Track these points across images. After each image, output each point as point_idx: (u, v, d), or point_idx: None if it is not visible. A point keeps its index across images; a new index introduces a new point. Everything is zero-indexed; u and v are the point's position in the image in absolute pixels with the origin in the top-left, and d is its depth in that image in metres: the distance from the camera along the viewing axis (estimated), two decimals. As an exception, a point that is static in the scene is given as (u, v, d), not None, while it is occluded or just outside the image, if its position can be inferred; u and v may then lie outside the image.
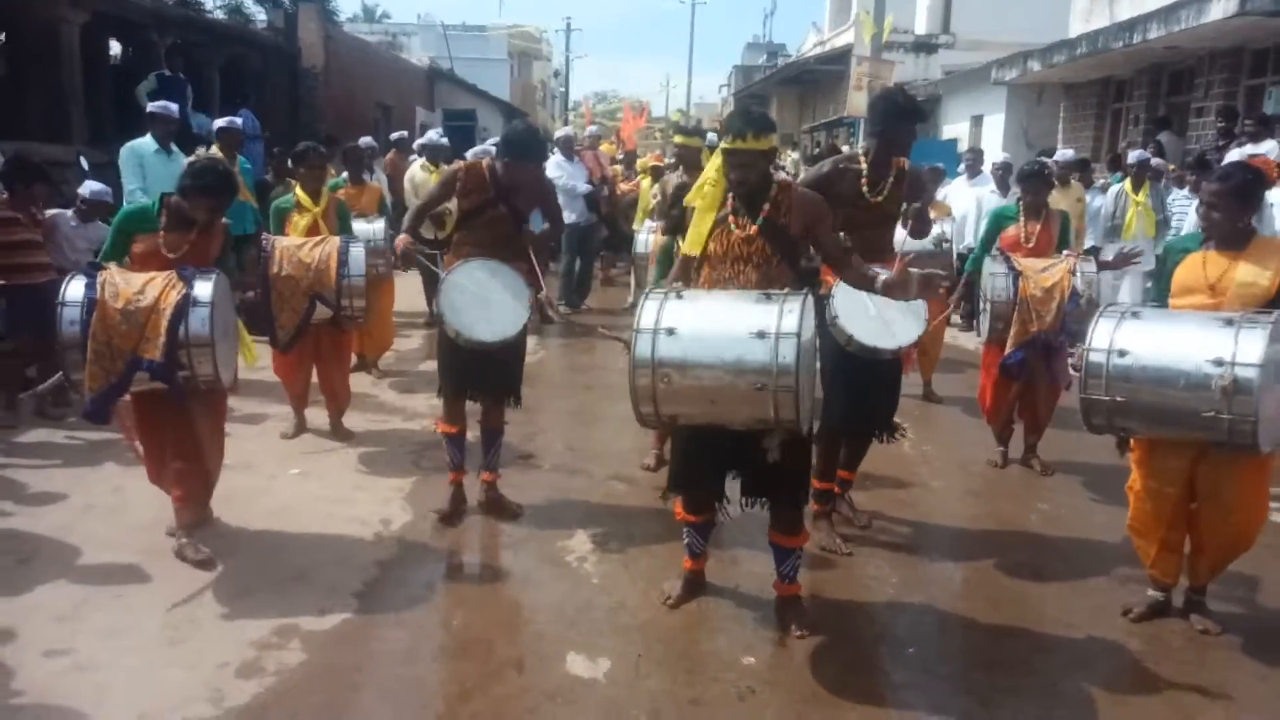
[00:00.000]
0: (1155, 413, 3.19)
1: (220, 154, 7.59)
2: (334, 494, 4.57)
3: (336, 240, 5.11)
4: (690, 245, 3.31)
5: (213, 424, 3.90)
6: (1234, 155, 8.04)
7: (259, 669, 3.03)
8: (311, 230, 5.30)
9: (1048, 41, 13.82)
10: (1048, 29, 15.10)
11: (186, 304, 3.47)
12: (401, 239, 4.29)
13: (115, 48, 14.20)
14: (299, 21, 16.24)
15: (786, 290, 2.99)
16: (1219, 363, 2.99)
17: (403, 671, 3.06)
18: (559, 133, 10.90)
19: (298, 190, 5.46)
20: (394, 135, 10.18)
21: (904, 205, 4.15)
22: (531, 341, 8.34)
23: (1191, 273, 3.35)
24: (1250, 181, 3.37)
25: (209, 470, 3.91)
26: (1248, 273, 3.25)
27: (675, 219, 4.68)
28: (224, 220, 3.90)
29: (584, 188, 9.62)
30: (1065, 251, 5.07)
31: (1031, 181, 5.12)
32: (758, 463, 3.11)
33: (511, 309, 4.07)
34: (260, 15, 19.60)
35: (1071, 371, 3.50)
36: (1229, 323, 3.07)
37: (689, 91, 42.91)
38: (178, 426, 3.74)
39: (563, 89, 45.84)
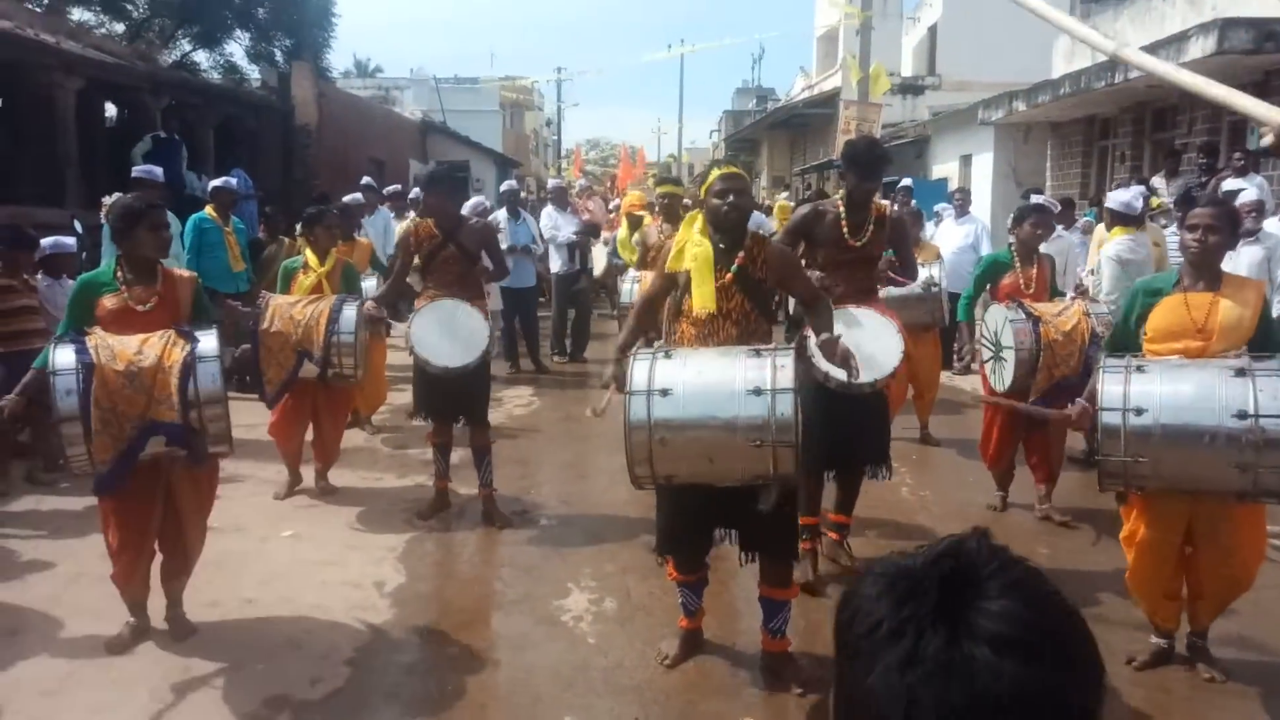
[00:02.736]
0: (1176, 469, 3.10)
1: (213, 214, 7.65)
2: (326, 556, 4.52)
3: (331, 298, 5.12)
4: (701, 304, 3.21)
5: (200, 510, 3.71)
6: (1227, 186, 8.13)
7: (248, 744, 2.97)
8: (315, 290, 5.31)
9: (1032, 81, 14.04)
10: (1032, 69, 15.35)
11: (193, 359, 3.36)
12: (369, 305, 4.95)
13: (111, 110, 14.41)
14: (292, 79, 16.46)
15: (775, 346, 3.01)
16: (1243, 415, 2.93)
17: (395, 743, 2.99)
18: (550, 183, 10.90)
19: (307, 251, 5.48)
20: (388, 189, 10.22)
21: (886, 250, 4.21)
22: (525, 391, 8.46)
23: (1174, 316, 3.31)
24: (1234, 210, 3.42)
25: (189, 563, 3.71)
26: (1231, 312, 3.25)
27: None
28: (192, 274, 3.85)
29: (566, 237, 9.61)
30: (1069, 295, 5.04)
31: (1041, 215, 5.11)
32: (747, 517, 3.09)
33: (472, 339, 4.77)
34: (254, 74, 19.95)
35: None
36: (1241, 373, 3.01)
37: (680, 137, 43.47)
38: (164, 516, 3.58)
39: (555, 138, 46.33)
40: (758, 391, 2.80)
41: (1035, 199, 7.96)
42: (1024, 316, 4.81)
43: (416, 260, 4.98)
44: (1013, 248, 5.21)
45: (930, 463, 6.36)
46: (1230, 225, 3.34)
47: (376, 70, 41.11)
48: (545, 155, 47.10)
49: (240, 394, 6.41)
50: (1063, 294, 5.40)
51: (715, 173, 3.28)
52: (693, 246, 3.25)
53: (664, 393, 2.88)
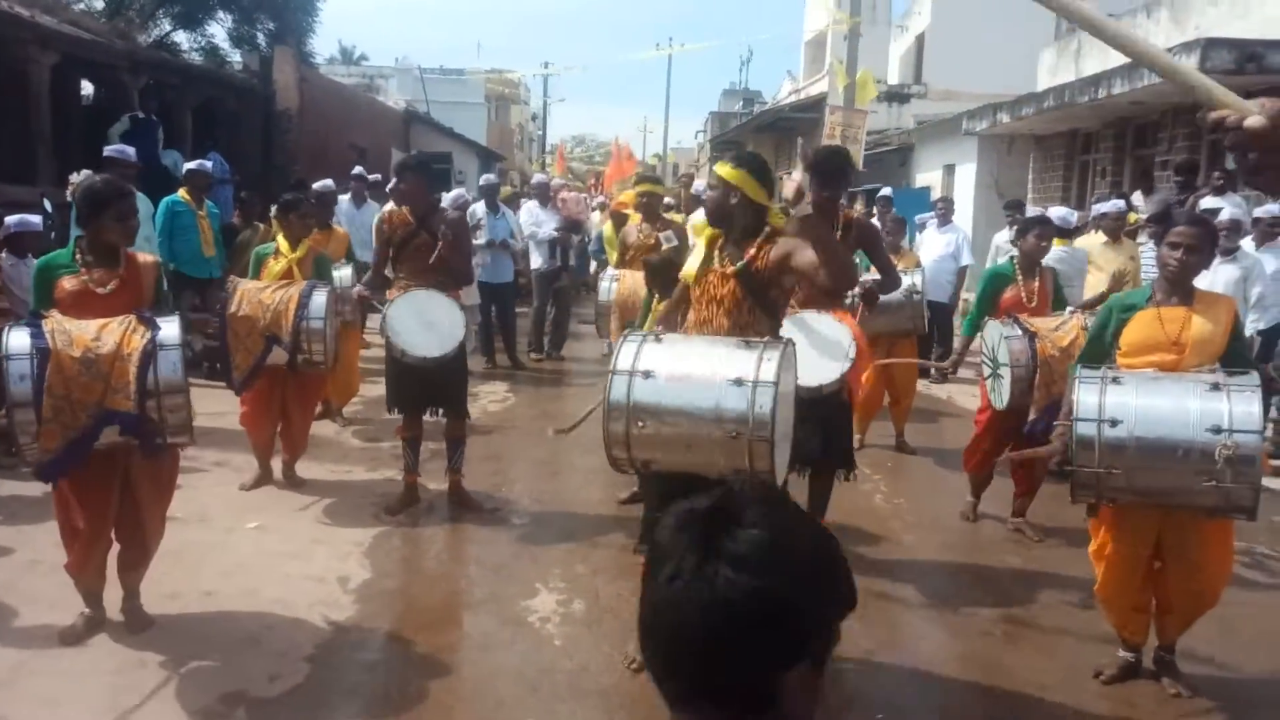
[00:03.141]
0: (1149, 481, 3.10)
1: (187, 197, 7.52)
2: (291, 549, 4.44)
3: (302, 283, 5.03)
4: (685, 272, 3.34)
5: (159, 500, 3.61)
6: (1206, 204, 8.19)
7: (201, 741, 2.89)
8: (285, 276, 5.22)
9: (1017, 93, 14.12)
10: (1017, 81, 15.45)
11: (154, 347, 3.25)
12: (358, 289, 4.91)
13: (88, 88, 14.16)
14: (274, 64, 16.25)
15: (767, 339, 2.97)
16: (1217, 430, 2.93)
17: (353, 744, 2.93)
18: (535, 178, 10.80)
19: (279, 237, 5.39)
20: (370, 178, 10.04)
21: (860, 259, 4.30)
22: (500, 387, 8.39)
23: (1148, 330, 3.34)
24: (1214, 229, 3.44)
25: (147, 554, 3.62)
26: (1204, 327, 3.28)
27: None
28: (154, 258, 3.75)
29: (547, 233, 9.54)
30: (1070, 309, 4.98)
31: (1045, 227, 5.10)
32: None
33: (448, 329, 4.77)
34: (236, 57, 19.69)
35: None
36: (1215, 388, 3.01)
37: (666, 136, 43.50)
38: (121, 505, 3.49)
39: (540, 132, 46.18)
40: (739, 382, 2.76)
41: (1041, 211, 8.02)
42: (1020, 332, 4.73)
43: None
44: (1015, 260, 5.15)
45: (905, 471, 6.36)
46: (1210, 244, 3.38)
47: (362, 58, 40.78)
48: (530, 150, 46.92)
49: (208, 381, 6.31)
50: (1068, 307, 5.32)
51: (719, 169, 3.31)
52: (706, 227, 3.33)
53: (646, 374, 2.84)
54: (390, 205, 8.81)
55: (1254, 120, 1.20)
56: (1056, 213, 7.07)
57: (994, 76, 17.29)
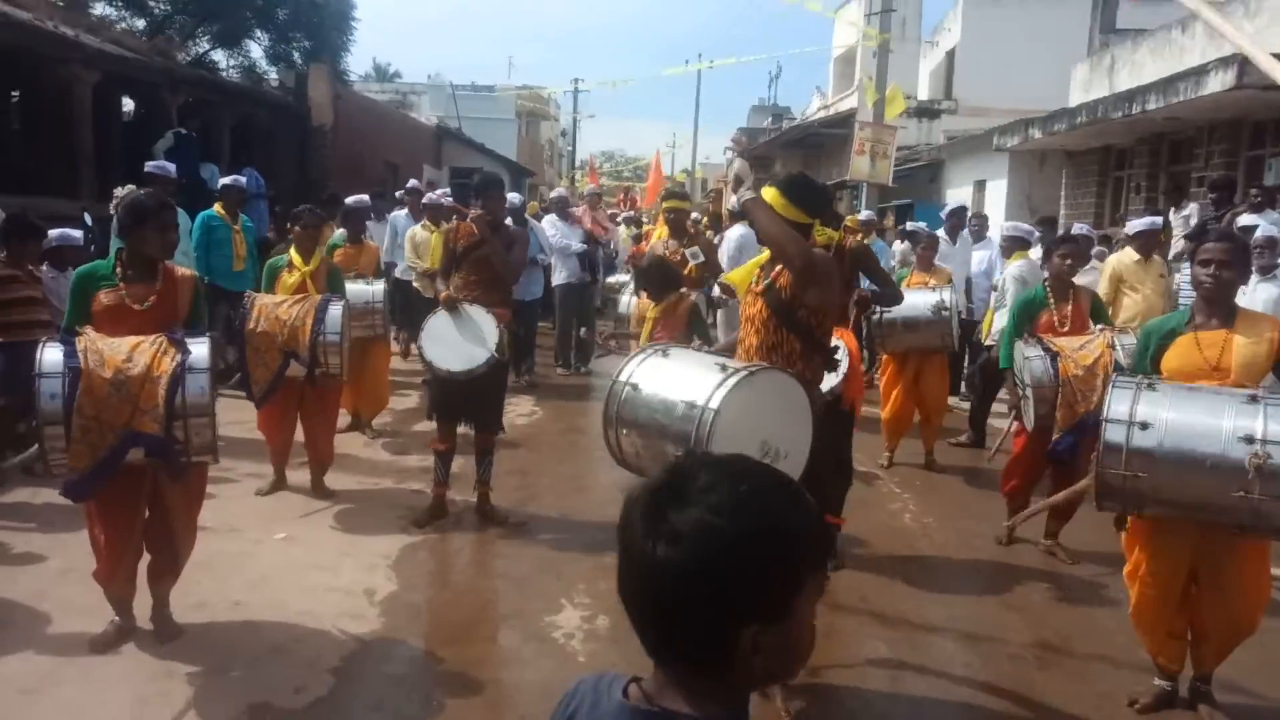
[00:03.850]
0: (1177, 491, 3.03)
1: (222, 212, 7.64)
2: (318, 561, 4.47)
3: (317, 298, 5.14)
4: (731, 276, 3.52)
5: (188, 510, 3.64)
6: (1243, 222, 8.04)
7: (226, 752, 2.91)
8: (299, 289, 5.31)
9: (1049, 109, 13.99)
10: (1049, 96, 15.31)
11: (183, 371, 3.29)
12: (443, 294, 4.98)
13: (128, 105, 14.47)
14: (309, 81, 16.53)
15: (753, 364, 2.96)
16: (1249, 440, 2.85)
17: (376, 757, 2.93)
18: (553, 193, 10.85)
19: (291, 250, 5.47)
20: (409, 183, 10.12)
21: (851, 276, 4.47)
22: (527, 401, 8.41)
23: (1187, 357, 3.25)
24: (1247, 246, 3.36)
25: (177, 564, 3.65)
26: (1245, 348, 3.18)
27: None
28: (193, 273, 3.80)
29: (578, 246, 9.58)
30: (1099, 326, 4.88)
31: (1070, 246, 5.01)
32: None
33: (481, 345, 4.82)
34: (272, 75, 20.05)
35: None
36: (1254, 399, 2.94)
37: (694, 152, 43.45)
38: (151, 515, 3.54)
39: (570, 148, 46.48)
40: (691, 406, 2.78)
41: (1075, 228, 7.93)
42: (1041, 352, 4.66)
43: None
44: (1046, 284, 5.03)
45: (934, 490, 6.28)
46: (1243, 260, 3.30)
47: (395, 75, 41.38)
48: (560, 165, 47.22)
49: (235, 391, 6.37)
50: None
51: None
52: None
53: (634, 387, 2.96)
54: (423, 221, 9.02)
55: None
56: (1022, 226, 7.64)
57: (1025, 92, 17.15)
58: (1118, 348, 4.59)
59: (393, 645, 3.68)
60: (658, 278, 5.14)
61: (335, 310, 5.06)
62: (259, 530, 4.83)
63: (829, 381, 4.01)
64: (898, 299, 4.83)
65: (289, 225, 5.55)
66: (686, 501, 0.99)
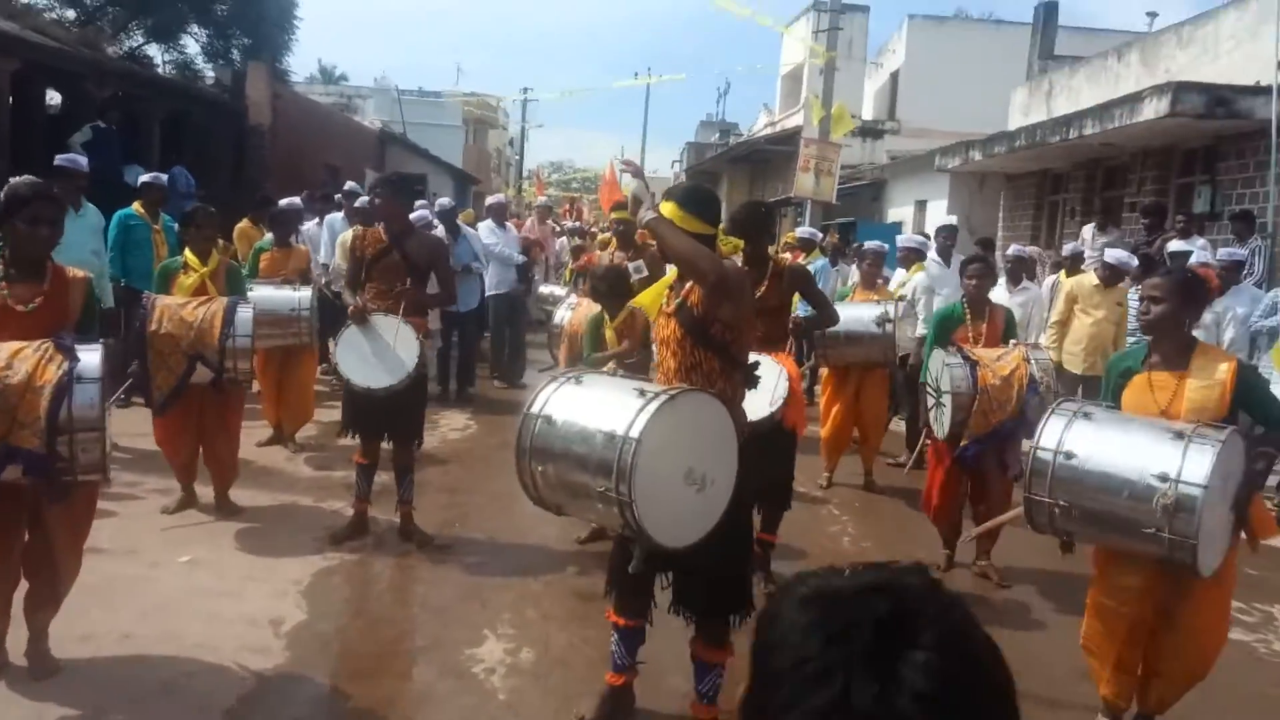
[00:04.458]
0: (1097, 520, 3.06)
1: (141, 211, 7.25)
2: (223, 586, 4.17)
3: (223, 300, 4.87)
4: (641, 299, 3.26)
5: (72, 535, 3.32)
6: (1172, 248, 8.17)
7: (97, 808, 2.62)
8: (198, 292, 5.01)
9: (989, 132, 14.19)
10: (989, 120, 15.55)
11: (70, 380, 2.99)
12: (352, 307, 4.68)
13: (56, 97, 13.84)
14: (247, 79, 16.03)
15: (674, 386, 2.78)
16: (1163, 478, 2.84)
17: (266, 812, 2.67)
18: (490, 199, 10.37)
19: (187, 251, 5.16)
20: (346, 185, 9.63)
21: (789, 299, 4.51)
22: (461, 415, 8.14)
23: (1139, 399, 3.20)
24: (1192, 281, 3.28)
25: (58, 594, 3.33)
26: (1197, 394, 3.10)
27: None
28: (85, 274, 3.48)
29: (518, 258, 9.35)
30: (1013, 340, 4.96)
31: (976, 265, 5.03)
32: (688, 565, 2.86)
33: (400, 358, 4.57)
34: (209, 72, 19.44)
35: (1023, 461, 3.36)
36: (1179, 436, 2.92)
37: (643, 165, 43.46)
38: (30, 539, 3.22)
39: (518, 157, 46.13)
40: (610, 436, 2.58)
41: (1016, 250, 7.98)
42: (961, 360, 4.75)
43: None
44: (964, 301, 5.09)
45: (874, 512, 6.19)
46: (1181, 295, 3.19)
47: (341, 78, 40.64)
48: (507, 174, 46.83)
49: (129, 401, 5.99)
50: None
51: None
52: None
53: (548, 420, 2.75)
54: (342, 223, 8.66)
55: None
56: (916, 238, 8.10)
57: (966, 115, 17.42)
58: (1032, 361, 4.71)
59: (296, 682, 3.41)
60: (614, 288, 4.94)
61: (245, 313, 4.80)
62: (160, 552, 4.51)
63: (769, 407, 3.92)
64: (833, 321, 4.88)
65: (181, 228, 5.23)
66: (923, 647, 0.77)
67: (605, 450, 2.58)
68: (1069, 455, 3.03)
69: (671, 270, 3.21)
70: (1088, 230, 10.35)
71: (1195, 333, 5.05)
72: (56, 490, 3.07)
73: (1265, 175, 9.67)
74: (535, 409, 2.80)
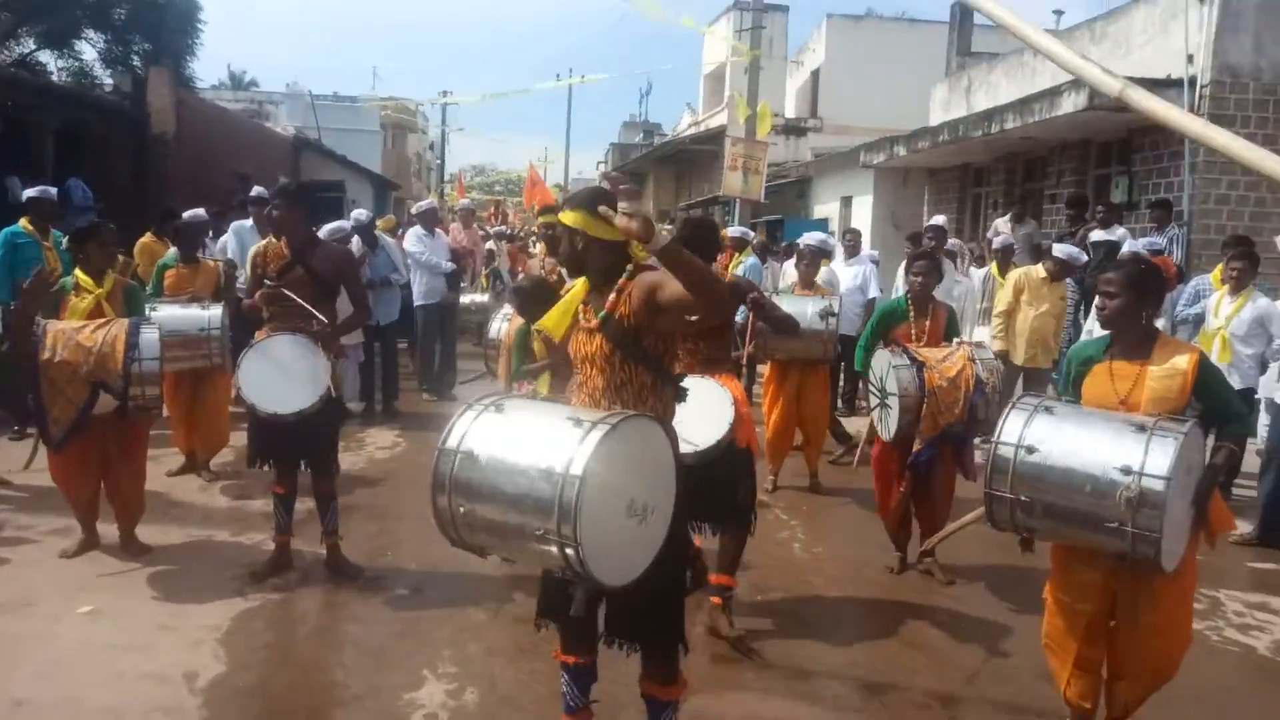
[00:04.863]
0: (1059, 515, 2.98)
1: (29, 227, 6.72)
2: (130, 639, 3.78)
3: (124, 321, 4.48)
4: (545, 322, 2.89)
5: None
6: (1095, 237, 8.29)
7: None
8: (94, 314, 4.60)
9: (910, 128, 14.35)
10: (910, 116, 15.76)
11: None
12: (248, 303, 4.47)
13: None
14: (148, 85, 15.24)
15: (610, 412, 2.53)
16: (1126, 471, 2.79)
17: None
18: (420, 205, 9.85)
19: (76, 271, 4.74)
20: (254, 190, 8.92)
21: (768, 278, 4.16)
22: (389, 433, 7.78)
23: (1100, 388, 3.14)
24: (1147, 272, 3.22)
25: None
26: (1158, 384, 3.06)
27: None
28: None
29: (447, 266, 8.99)
30: (956, 340, 4.89)
31: (926, 263, 4.95)
32: (624, 598, 2.63)
33: (309, 380, 4.28)
34: (108, 80, 18.49)
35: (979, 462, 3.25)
36: (1141, 429, 2.87)
37: (567, 167, 43.02)
38: None
39: (439, 161, 45.29)
40: (549, 473, 2.31)
41: (953, 244, 7.96)
42: (908, 362, 4.67)
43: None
44: (908, 297, 5.02)
45: (822, 515, 6.07)
46: (1138, 287, 3.13)
47: (251, 83, 39.32)
48: (429, 179, 45.98)
49: (22, 434, 5.53)
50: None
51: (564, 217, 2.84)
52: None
53: (470, 455, 2.45)
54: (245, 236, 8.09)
55: None
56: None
57: (887, 111, 17.65)
58: (978, 362, 4.68)
59: (215, 745, 3.09)
60: (536, 298, 4.66)
61: (150, 334, 4.45)
62: (58, 603, 4.09)
63: (717, 435, 3.73)
64: (793, 328, 4.65)
65: (73, 244, 4.78)
66: None
67: (542, 488, 2.31)
68: (1030, 450, 2.95)
69: (578, 284, 2.93)
70: (1003, 223, 10.47)
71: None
72: None
73: (1179, 165, 9.93)
74: (452, 443, 2.48)
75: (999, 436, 3.02)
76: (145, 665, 3.56)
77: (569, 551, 2.29)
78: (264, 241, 4.66)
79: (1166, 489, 2.74)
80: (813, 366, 6.49)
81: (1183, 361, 3.07)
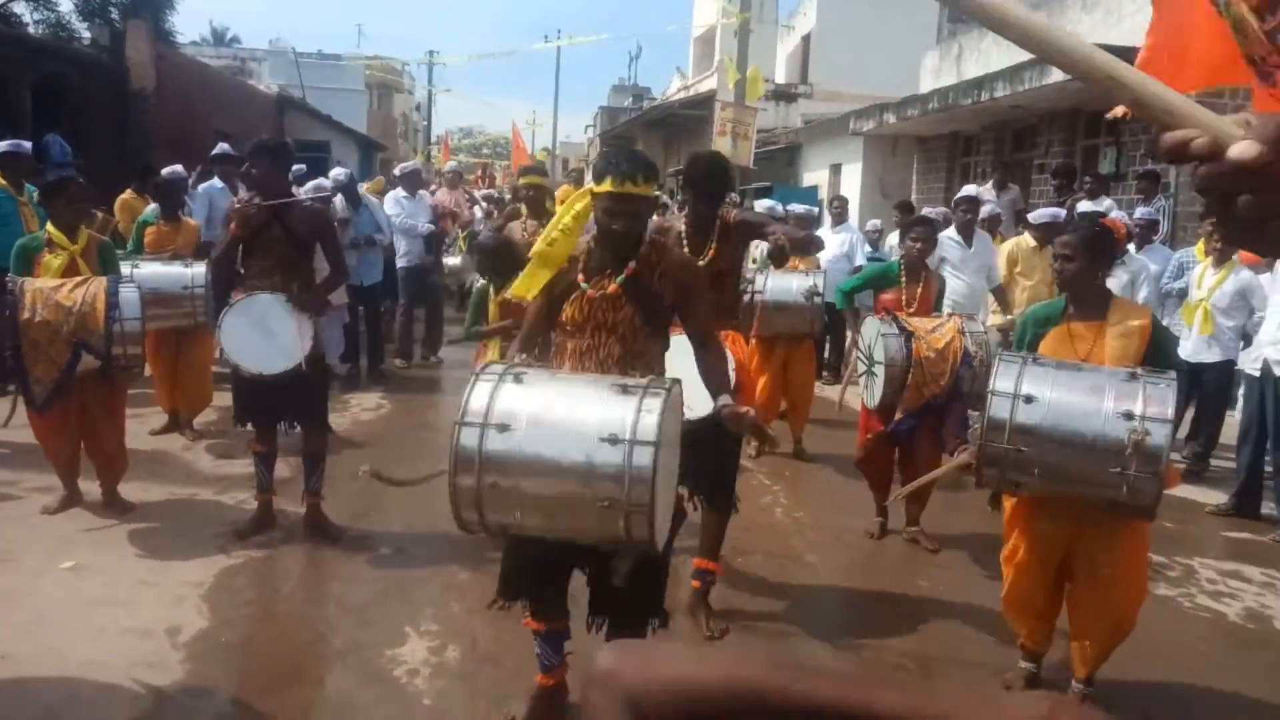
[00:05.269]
0: (1057, 465, 3.00)
1: (3, 181, 6.61)
2: (112, 594, 3.79)
3: (102, 280, 4.44)
4: (519, 288, 2.89)
5: None
6: (1082, 208, 8.29)
7: None
8: (68, 272, 4.56)
9: (901, 95, 14.27)
10: (901, 83, 15.64)
11: None
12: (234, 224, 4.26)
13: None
14: (127, 39, 14.95)
15: (649, 379, 2.51)
16: (1129, 416, 2.85)
17: None
18: (403, 166, 9.66)
19: (49, 227, 4.68)
20: (219, 147, 8.16)
21: (739, 258, 4.06)
22: (373, 395, 7.76)
23: (1060, 348, 3.22)
24: (1100, 234, 3.29)
25: None
26: (1117, 343, 3.17)
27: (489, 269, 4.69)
28: None
29: (425, 227, 8.88)
30: (948, 310, 4.93)
31: (922, 229, 4.95)
32: (604, 572, 2.64)
33: (291, 340, 4.24)
34: (86, 34, 18.12)
35: (967, 434, 3.28)
36: (1133, 377, 2.95)
37: (555, 130, 42.58)
38: None
39: (425, 123, 44.71)
40: (614, 440, 2.29)
41: (928, 212, 7.88)
42: (897, 330, 4.68)
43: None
44: (901, 262, 5.03)
45: (805, 482, 6.11)
46: (1090, 250, 3.22)
47: (234, 40, 38.59)
48: (415, 140, 45.43)
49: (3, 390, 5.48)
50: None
51: (608, 185, 2.70)
52: (559, 233, 2.78)
53: (501, 427, 2.34)
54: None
55: (1242, 148, 0.71)
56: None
57: (878, 78, 17.51)
58: (967, 334, 4.68)
59: (198, 697, 3.10)
60: (499, 260, 4.63)
61: (130, 293, 4.41)
62: (40, 559, 4.09)
63: (710, 403, 3.66)
64: (813, 242, 4.63)
65: (43, 200, 4.71)
66: None
67: (608, 456, 2.27)
68: (1029, 399, 2.96)
69: (557, 249, 2.84)
70: (986, 189, 10.36)
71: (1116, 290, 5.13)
72: None
73: (1167, 136, 9.90)
74: (477, 415, 2.37)
75: (994, 387, 3.02)
76: (128, 620, 3.57)
77: (637, 519, 2.27)
78: (241, 195, 4.62)
79: (1170, 431, 2.82)
80: (798, 340, 6.51)
81: (1136, 321, 3.18)
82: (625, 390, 2.39)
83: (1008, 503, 3.39)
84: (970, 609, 4.10)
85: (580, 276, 2.81)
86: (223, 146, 8.13)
